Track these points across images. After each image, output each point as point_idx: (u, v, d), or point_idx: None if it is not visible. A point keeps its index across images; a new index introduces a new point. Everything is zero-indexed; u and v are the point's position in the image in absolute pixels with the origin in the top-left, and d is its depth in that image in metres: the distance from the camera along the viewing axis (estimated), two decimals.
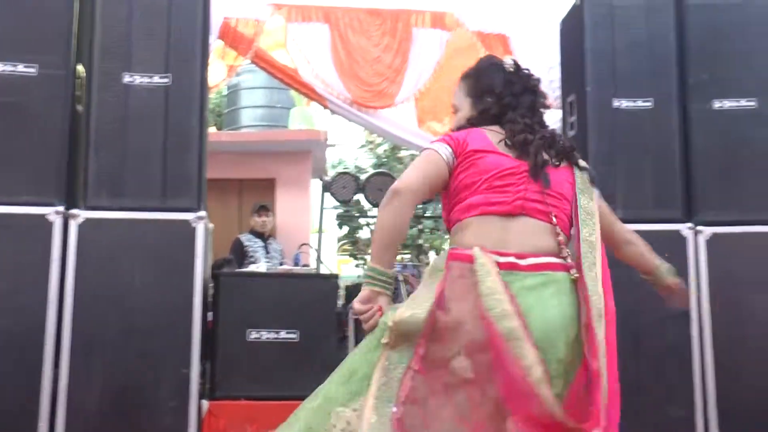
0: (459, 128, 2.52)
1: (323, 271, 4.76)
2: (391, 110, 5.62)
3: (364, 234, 11.96)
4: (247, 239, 6.87)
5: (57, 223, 3.84)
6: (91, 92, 4.05)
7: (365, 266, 2.21)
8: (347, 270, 11.44)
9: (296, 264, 4.67)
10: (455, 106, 2.59)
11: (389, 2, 5.74)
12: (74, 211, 3.89)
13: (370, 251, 2.32)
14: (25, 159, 3.91)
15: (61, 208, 3.86)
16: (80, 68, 4.20)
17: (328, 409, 2.23)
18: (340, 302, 4.19)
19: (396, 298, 4.10)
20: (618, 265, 4.16)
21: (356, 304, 2.30)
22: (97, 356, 3.78)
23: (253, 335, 3.92)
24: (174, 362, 3.80)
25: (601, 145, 4.41)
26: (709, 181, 4.39)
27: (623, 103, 4.44)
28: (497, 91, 2.52)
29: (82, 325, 3.78)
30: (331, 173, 9.57)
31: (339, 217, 11.46)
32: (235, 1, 5.46)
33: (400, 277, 4.17)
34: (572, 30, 4.81)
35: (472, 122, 2.51)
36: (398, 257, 11.55)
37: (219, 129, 9.53)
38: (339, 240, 13.27)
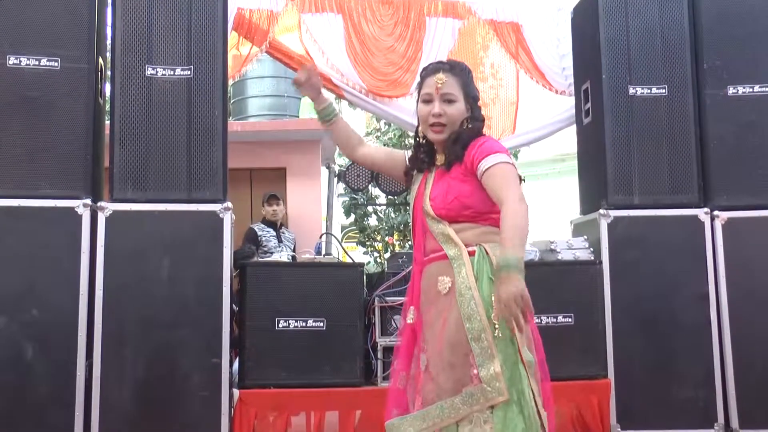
0: (470, 130, 2.66)
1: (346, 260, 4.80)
2: (406, 99, 5.64)
3: (372, 222, 11.98)
4: (260, 229, 6.92)
5: (85, 215, 3.89)
6: (114, 85, 4.09)
7: (513, 256, 2.30)
8: (354, 258, 11.48)
9: (318, 253, 4.71)
10: (452, 95, 2.66)
11: None
12: (102, 203, 3.93)
13: (511, 244, 2.33)
14: (49, 152, 3.96)
15: (88, 201, 3.92)
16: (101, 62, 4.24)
17: None
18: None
19: None
20: (638, 249, 4.30)
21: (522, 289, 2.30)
22: (128, 347, 3.85)
23: (282, 324, 3.97)
24: (204, 352, 3.86)
25: (618, 132, 4.48)
26: (724, 167, 4.45)
27: (638, 90, 4.50)
28: (478, 103, 2.75)
29: (113, 316, 3.85)
30: (338, 161, 9.59)
31: (346, 205, 11.48)
32: None
33: None
34: (585, 18, 4.86)
35: (479, 125, 2.70)
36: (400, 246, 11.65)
37: None
38: (343, 228, 13.29)
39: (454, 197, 2.59)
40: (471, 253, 2.55)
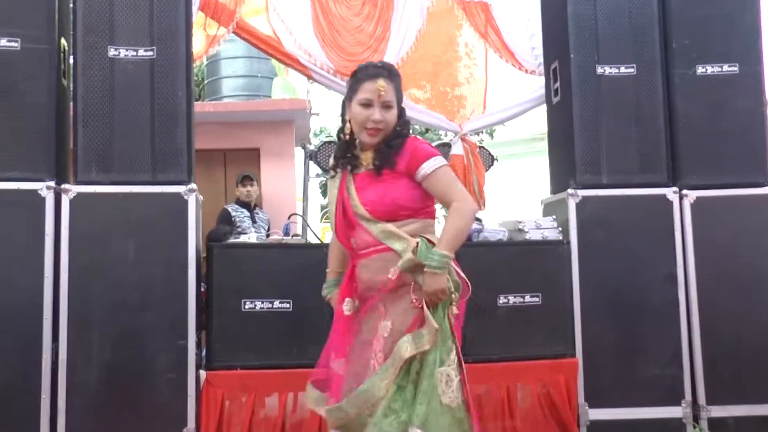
0: (402, 134, 2.79)
1: (314, 240, 4.78)
2: None
3: None
4: (233, 210, 6.88)
5: (49, 198, 3.84)
6: (76, 66, 4.02)
7: (443, 255, 2.64)
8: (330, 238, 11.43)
9: (286, 234, 4.69)
10: (390, 102, 2.77)
11: None
12: (66, 186, 3.89)
13: (446, 244, 2.67)
14: (12, 134, 3.90)
15: (52, 183, 3.87)
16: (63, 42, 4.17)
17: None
18: None
19: None
20: (606, 228, 4.31)
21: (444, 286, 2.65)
22: (94, 330, 3.82)
23: (248, 305, 3.96)
24: (170, 334, 3.84)
25: (586, 112, 4.46)
26: (693, 146, 4.45)
27: (607, 70, 4.48)
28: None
29: (79, 299, 3.82)
30: (313, 141, 9.55)
31: (322, 185, 11.47)
32: None
33: None
34: None
35: (408, 129, 2.86)
36: None
37: (198, 99, 9.46)
38: (322, 208, 13.29)
39: (391, 200, 2.73)
40: (415, 245, 2.69)
